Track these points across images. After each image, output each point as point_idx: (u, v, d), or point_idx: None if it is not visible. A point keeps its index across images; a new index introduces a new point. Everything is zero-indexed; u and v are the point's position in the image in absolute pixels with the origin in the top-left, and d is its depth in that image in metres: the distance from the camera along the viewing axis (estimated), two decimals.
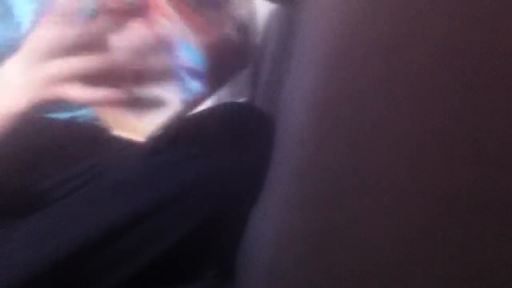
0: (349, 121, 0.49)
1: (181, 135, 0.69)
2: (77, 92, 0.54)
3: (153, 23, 0.54)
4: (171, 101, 0.58)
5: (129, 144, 0.60)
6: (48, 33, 0.54)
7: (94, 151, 0.75)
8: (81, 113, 0.80)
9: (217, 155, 0.66)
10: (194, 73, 0.56)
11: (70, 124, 0.78)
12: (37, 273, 0.61)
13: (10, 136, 0.59)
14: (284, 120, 0.66)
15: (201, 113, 0.72)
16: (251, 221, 0.68)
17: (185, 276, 0.69)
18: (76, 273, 0.63)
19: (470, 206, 0.40)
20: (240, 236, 0.69)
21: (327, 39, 0.55)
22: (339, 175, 0.49)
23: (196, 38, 0.55)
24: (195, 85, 0.57)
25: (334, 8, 0.55)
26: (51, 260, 0.61)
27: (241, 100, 0.95)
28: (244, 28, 0.61)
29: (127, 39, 0.54)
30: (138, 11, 0.54)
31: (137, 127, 0.59)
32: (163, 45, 0.55)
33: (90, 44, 0.54)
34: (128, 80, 0.56)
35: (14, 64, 0.57)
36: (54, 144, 0.65)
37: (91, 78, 0.54)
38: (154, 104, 0.58)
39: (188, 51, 0.55)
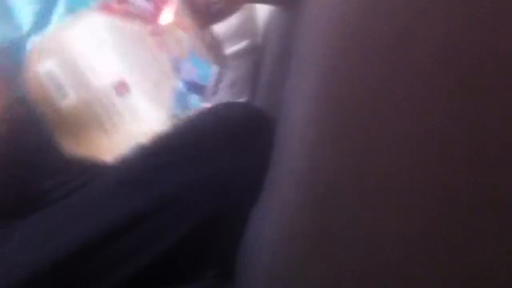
0: (349, 121, 0.49)
1: (180, 136, 0.69)
2: None
3: (166, 33, 0.54)
4: (154, 115, 0.56)
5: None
6: None
7: None
8: None
9: (216, 155, 0.66)
10: (196, 88, 0.56)
11: None
12: (37, 273, 0.61)
13: (11, 135, 0.59)
14: (284, 120, 0.66)
15: (201, 113, 0.72)
16: (251, 221, 0.68)
17: (185, 276, 0.68)
18: (76, 273, 0.63)
19: (470, 206, 0.40)
20: (240, 236, 0.69)
21: (327, 39, 0.55)
22: (339, 175, 0.49)
23: (209, 53, 0.55)
24: (194, 100, 0.56)
25: (334, 8, 0.55)
26: (51, 260, 0.61)
27: (241, 100, 0.95)
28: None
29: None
30: (151, 17, 0.53)
31: (104, 146, 0.56)
32: (172, 57, 0.54)
33: None
34: None
35: None
36: (54, 143, 0.65)
37: None
38: (130, 117, 0.56)
39: (198, 64, 0.55)
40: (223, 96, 0.93)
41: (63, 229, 0.63)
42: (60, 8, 0.70)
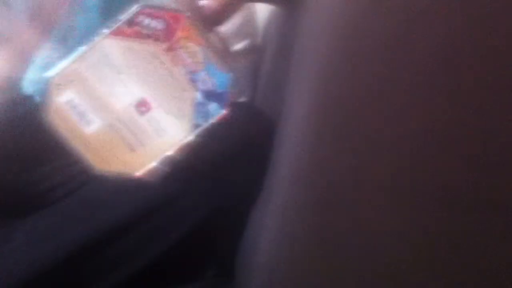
0: (349, 121, 0.49)
1: None
2: None
3: (180, 47, 0.55)
4: (177, 127, 0.58)
5: None
6: None
7: None
8: None
9: (216, 155, 0.66)
10: (214, 96, 0.57)
11: None
12: (37, 272, 0.61)
13: (11, 134, 0.59)
14: (284, 120, 0.66)
15: None
16: (251, 221, 0.68)
17: (185, 276, 0.69)
18: (76, 273, 0.63)
19: (470, 206, 0.40)
20: (240, 236, 0.69)
21: (327, 39, 0.55)
22: (339, 175, 0.49)
23: (221, 60, 0.56)
24: (214, 108, 0.57)
25: (334, 8, 0.55)
26: (51, 260, 0.61)
27: (241, 100, 0.95)
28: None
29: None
30: (164, 36, 0.54)
31: (133, 162, 0.58)
32: (188, 70, 0.56)
33: None
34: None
35: None
36: (54, 143, 0.65)
37: None
38: (154, 133, 0.58)
39: (213, 73, 0.56)
40: None
41: (63, 229, 0.63)
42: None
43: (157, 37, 0.54)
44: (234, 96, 0.59)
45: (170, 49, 0.55)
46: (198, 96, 0.57)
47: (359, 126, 0.47)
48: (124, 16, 0.54)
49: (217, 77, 0.57)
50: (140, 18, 0.54)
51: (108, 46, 0.55)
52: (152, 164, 0.58)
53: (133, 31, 0.54)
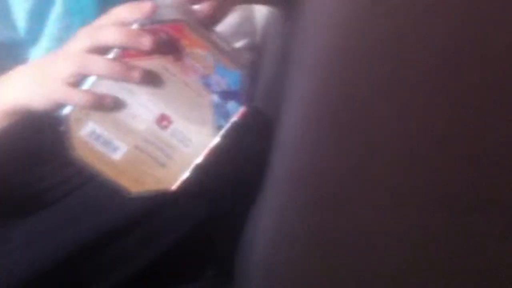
0: (349, 121, 0.49)
1: None
2: (80, 96, 0.55)
3: (187, 55, 0.55)
4: (201, 134, 0.58)
5: None
6: (90, 29, 0.56)
7: None
8: None
9: (215, 155, 0.66)
10: (230, 94, 0.57)
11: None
12: (36, 273, 0.61)
13: (11, 134, 0.59)
14: (283, 119, 0.66)
15: None
16: (251, 221, 0.68)
17: (185, 276, 0.69)
18: (76, 273, 0.63)
19: (470, 206, 0.40)
20: (239, 236, 0.69)
21: (326, 39, 0.55)
22: (338, 176, 0.49)
23: (230, 59, 0.56)
24: (232, 106, 0.58)
25: (334, 8, 0.55)
26: (51, 260, 0.61)
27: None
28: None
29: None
30: (169, 48, 0.55)
31: (165, 177, 0.59)
32: (199, 75, 0.56)
33: None
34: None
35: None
36: (54, 143, 0.65)
37: None
38: (180, 144, 0.58)
39: (224, 73, 0.56)
40: None
41: (63, 229, 0.63)
42: (58, 7, 0.70)
43: (162, 51, 0.55)
44: (250, 91, 0.59)
45: (177, 59, 0.55)
46: (215, 98, 0.57)
47: (359, 126, 0.47)
48: None
49: (229, 76, 0.57)
50: None
51: None
52: (185, 175, 0.58)
53: (137, 51, 0.54)
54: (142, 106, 0.56)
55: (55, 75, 0.56)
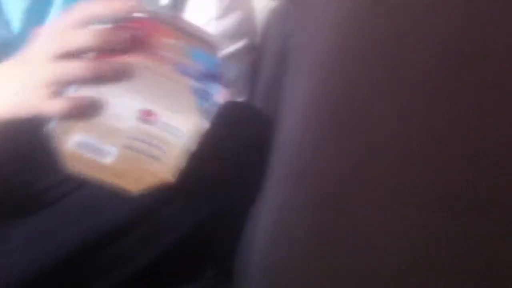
0: (349, 121, 0.49)
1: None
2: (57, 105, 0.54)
3: (158, 48, 0.55)
4: (188, 121, 0.57)
5: None
6: (56, 34, 0.55)
7: None
8: None
9: (215, 155, 0.66)
10: (209, 77, 0.57)
11: None
12: (36, 273, 0.61)
13: (9, 134, 0.59)
14: (283, 119, 0.66)
15: None
16: (251, 221, 0.68)
17: (185, 276, 0.68)
18: (75, 273, 0.63)
19: (470, 206, 0.40)
20: (240, 236, 0.69)
21: (327, 39, 0.55)
22: (338, 176, 0.49)
23: (204, 43, 0.56)
24: (213, 88, 0.57)
25: (334, 8, 0.55)
26: (51, 260, 0.61)
27: (240, 100, 0.95)
28: None
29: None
30: (138, 44, 0.54)
31: (161, 171, 0.58)
32: (175, 65, 0.56)
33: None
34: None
35: (11, 67, 0.57)
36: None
37: None
38: (169, 135, 0.57)
39: (200, 57, 0.56)
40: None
41: (62, 229, 0.63)
42: (56, 7, 0.70)
43: (135, 47, 0.54)
44: (233, 96, 0.59)
45: (151, 53, 0.55)
46: (194, 83, 0.56)
47: (359, 126, 0.47)
48: None
49: (206, 60, 0.57)
50: None
51: None
52: (181, 164, 0.58)
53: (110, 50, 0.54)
54: (124, 106, 0.55)
55: (31, 85, 0.55)
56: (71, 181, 0.68)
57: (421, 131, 0.42)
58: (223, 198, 0.67)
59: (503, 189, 0.38)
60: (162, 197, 0.64)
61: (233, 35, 0.97)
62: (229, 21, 0.97)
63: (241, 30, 0.98)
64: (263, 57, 0.94)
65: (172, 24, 0.56)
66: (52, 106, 0.54)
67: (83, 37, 0.53)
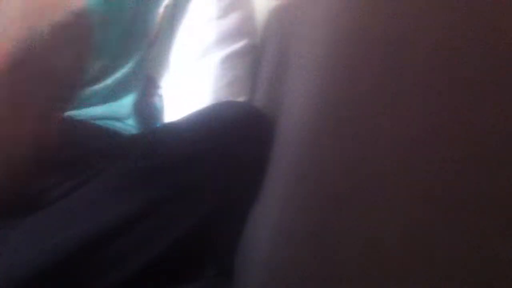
0: (349, 120, 0.49)
1: (179, 135, 0.69)
2: None
3: None
4: None
5: (130, 144, 0.60)
6: None
7: (94, 151, 0.75)
8: (80, 112, 0.80)
9: (215, 155, 0.66)
10: None
11: (70, 123, 0.78)
12: (36, 272, 0.61)
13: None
14: (283, 119, 0.66)
15: (199, 112, 0.72)
16: (251, 221, 0.68)
17: (185, 276, 0.68)
18: (75, 273, 0.63)
19: (470, 206, 0.40)
20: (240, 236, 0.69)
21: (327, 39, 0.55)
22: (338, 175, 0.49)
23: None
24: None
25: (334, 8, 0.55)
26: (50, 260, 0.61)
27: (240, 99, 0.95)
28: None
29: None
30: None
31: None
32: None
33: None
34: None
35: None
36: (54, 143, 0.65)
37: None
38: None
39: None
40: (222, 95, 0.93)
41: (61, 229, 0.63)
42: None
43: None
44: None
45: None
46: None
47: (359, 126, 0.47)
48: None
49: None
50: None
51: None
52: None
53: None
54: None
55: None
56: (71, 181, 0.68)
57: (421, 131, 0.42)
58: (223, 198, 0.67)
59: (503, 189, 0.38)
60: (162, 196, 0.64)
61: (233, 35, 0.97)
62: (229, 21, 0.97)
63: (241, 30, 0.98)
64: (263, 57, 0.94)
65: None
66: None
67: None
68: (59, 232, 0.63)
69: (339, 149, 0.49)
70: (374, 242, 0.45)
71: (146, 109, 0.93)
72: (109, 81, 0.82)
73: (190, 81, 0.95)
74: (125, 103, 0.87)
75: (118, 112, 0.86)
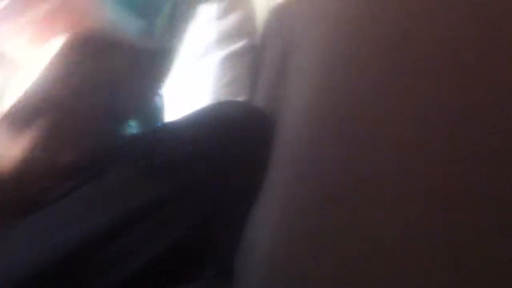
0: (349, 120, 0.49)
1: (179, 135, 0.69)
2: None
3: None
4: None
5: (130, 144, 0.60)
6: None
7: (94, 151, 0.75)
8: None
9: (215, 155, 0.66)
10: None
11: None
12: (36, 272, 0.61)
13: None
14: (284, 119, 0.66)
15: (199, 112, 0.72)
16: (251, 221, 0.68)
17: (185, 276, 0.68)
18: (75, 272, 0.63)
19: (470, 206, 0.40)
20: (240, 236, 0.69)
21: (327, 38, 0.55)
22: (338, 175, 0.49)
23: None
24: None
25: (334, 8, 0.55)
26: (51, 260, 0.61)
27: (241, 99, 0.95)
28: None
29: None
30: None
31: None
32: None
33: None
34: None
35: None
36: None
37: None
38: None
39: None
40: (222, 95, 0.93)
41: (62, 229, 0.63)
42: None
43: None
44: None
45: None
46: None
47: (359, 126, 0.48)
48: None
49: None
50: None
51: None
52: None
53: None
54: None
55: None
56: (71, 181, 0.68)
57: (421, 131, 0.42)
58: (223, 198, 0.67)
59: (503, 189, 0.38)
60: (162, 196, 0.64)
61: (233, 35, 0.97)
62: (229, 21, 0.97)
63: (241, 30, 0.98)
64: (263, 57, 0.94)
65: None
66: None
67: None
68: (59, 232, 0.63)
69: (339, 149, 0.49)
70: (374, 242, 0.45)
71: (146, 109, 0.93)
72: None
73: (190, 81, 0.95)
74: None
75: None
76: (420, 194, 0.42)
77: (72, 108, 0.60)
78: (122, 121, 0.74)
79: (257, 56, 0.98)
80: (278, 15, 0.92)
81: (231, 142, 0.67)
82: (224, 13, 0.96)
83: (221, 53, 0.95)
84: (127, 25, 0.66)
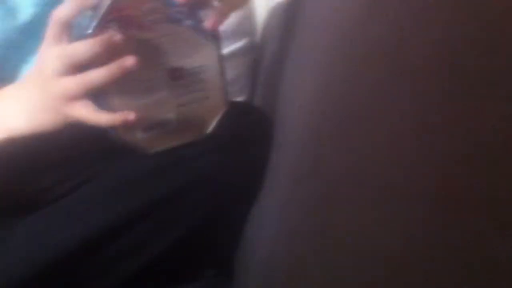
0: (349, 121, 0.49)
1: None
2: (92, 114, 0.56)
3: (141, 18, 0.56)
4: (207, 55, 0.61)
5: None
6: (56, 51, 0.55)
7: (94, 151, 0.75)
8: None
9: (216, 155, 0.66)
10: (190, 10, 0.59)
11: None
12: (36, 272, 0.61)
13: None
14: (284, 120, 0.66)
15: None
16: (251, 221, 0.68)
17: (185, 276, 0.69)
18: (75, 272, 0.63)
19: (469, 206, 0.40)
20: (240, 236, 0.69)
21: (326, 39, 0.55)
22: (338, 175, 0.49)
23: None
24: (199, 12, 0.59)
25: (334, 8, 0.55)
26: (51, 259, 0.61)
27: (240, 99, 0.95)
28: None
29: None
30: (125, 24, 0.56)
31: (213, 105, 0.63)
32: (164, 22, 0.58)
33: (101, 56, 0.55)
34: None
35: (29, 85, 0.58)
36: (53, 144, 0.65)
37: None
38: (202, 74, 0.61)
39: (174, 3, 0.57)
40: None
41: (62, 229, 0.63)
42: None
43: (123, 27, 0.55)
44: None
45: (138, 27, 0.57)
46: (186, 24, 0.59)
47: (359, 126, 0.48)
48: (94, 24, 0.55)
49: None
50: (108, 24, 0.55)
51: None
52: (225, 89, 0.63)
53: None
54: (151, 79, 0.59)
55: (52, 103, 0.56)
56: (71, 181, 0.68)
57: (422, 131, 0.42)
58: (223, 198, 0.67)
59: (503, 189, 0.38)
60: (162, 196, 0.64)
61: (233, 35, 0.97)
62: (229, 21, 0.97)
63: (241, 30, 0.98)
64: (263, 57, 0.94)
65: None
66: (101, 118, 0.56)
67: (83, 49, 0.54)
68: (59, 232, 0.63)
69: (339, 149, 0.49)
70: (374, 242, 0.45)
71: None
72: None
73: None
74: None
75: None
76: (420, 194, 0.42)
77: None
78: None
79: (257, 56, 0.98)
80: (278, 15, 0.92)
81: (231, 142, 0.67)
82: None
83: None
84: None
